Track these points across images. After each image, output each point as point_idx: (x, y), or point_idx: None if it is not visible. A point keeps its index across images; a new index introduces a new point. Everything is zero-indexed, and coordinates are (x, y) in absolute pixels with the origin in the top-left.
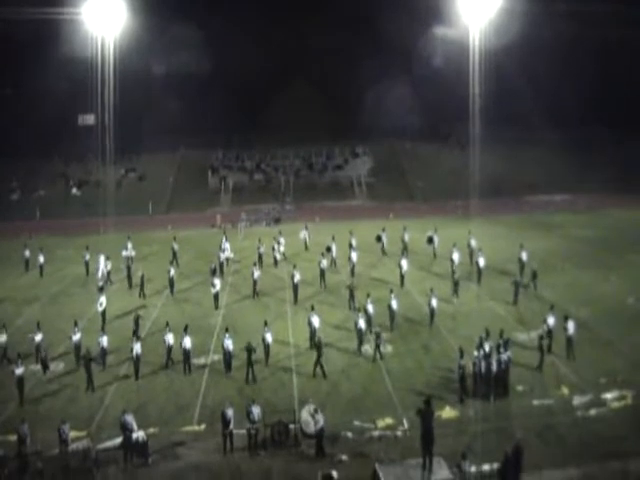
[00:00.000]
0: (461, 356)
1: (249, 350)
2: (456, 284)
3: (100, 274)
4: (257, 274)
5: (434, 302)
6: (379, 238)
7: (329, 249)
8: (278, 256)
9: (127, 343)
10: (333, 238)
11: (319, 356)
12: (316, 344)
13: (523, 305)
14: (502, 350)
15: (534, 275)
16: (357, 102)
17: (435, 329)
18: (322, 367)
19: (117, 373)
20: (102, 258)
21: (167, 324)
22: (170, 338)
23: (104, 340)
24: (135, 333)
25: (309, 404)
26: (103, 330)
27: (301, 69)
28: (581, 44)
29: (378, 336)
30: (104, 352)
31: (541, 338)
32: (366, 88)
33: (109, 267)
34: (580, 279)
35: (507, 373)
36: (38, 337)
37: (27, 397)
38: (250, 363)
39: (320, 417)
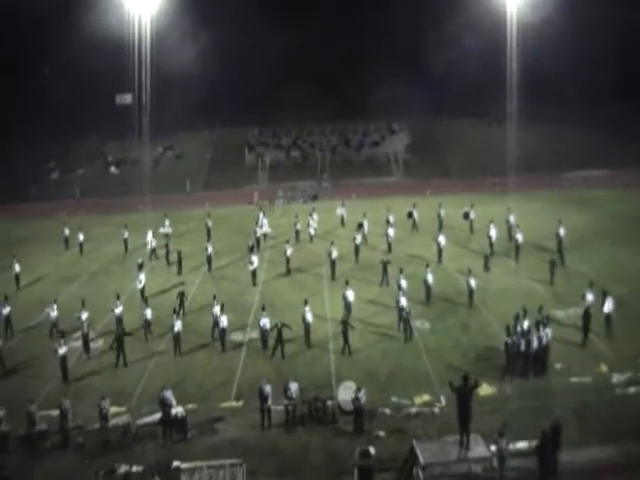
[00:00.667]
0: (507, 334)
1: (279, 329)
2: (486, 259)
3: (149, 248)
4: (290, 251)
5: (473, 282)
6: (410, 214)
7: (360, 226)
8: (312, 232)
9: (165, 320)
10: (364, 215)
11: (345, 334)
12: (343, 322)
13: (561, 282)
14: (541, 327)
15: (561, 250)
16: (393, 78)
17: (473, 306)
18: (347, 344)
19: (156, 349)
20: (150, 233)
21: (214, 297)
22: (217, 310)
23: (148, 313)
24: (178, 309)
25: (348, 382)
26: (147, 303)
27: (336, 45)
28: (619, 19)
29: (408, 313)
30: (148, 324)
31: (585, 315)
32: (402, 64)
33: (154, 244)
34: (618, 256)
35: (547, 350)
36: (84, 315)
37: (69, 373)
38: (281, 341)
39: (362, 394)
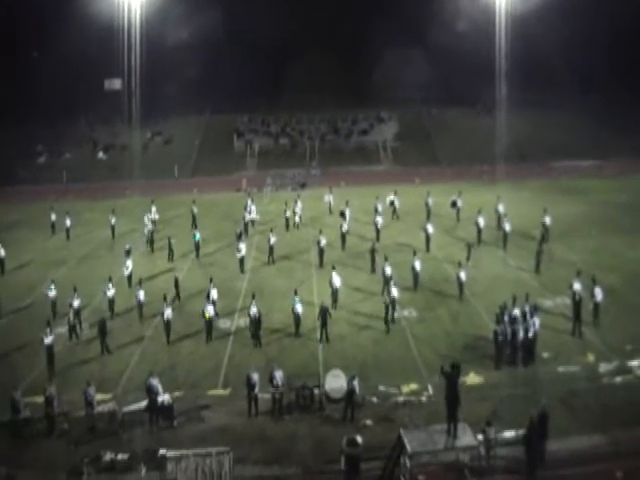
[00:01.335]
0: (497, 322)
1: (251, 319)
2: (469, 248)
3: (146, 231)
4: (273, 240)
5: (463, 275)
6: (392, 202)
7: (343, 214)
8: (297, 219)
9: (153, 306)
10: (347, 203)
11: (324, 321)
12: (322, 309)
13: (549, 271)
14: (529, 316)
15: (543, 239)
16: (382, 66)
17: (463, 297)
18: (326, 330)
19: (144, 336)
20: (146, 218)
21: (211, 280)
22: (214, 294)
23: (141, 294)
24: (177, 296)
25: (336, 370)
26: (140, 284)
27: (326, 32)
28: (612, 5)
29: (391, 302)
30: (141, 305)
31: (575, 303)
32: (391, 52)
33: (150, 227)
34: (608, 244)
35: (535, 339)
36: (76, 303)
37: (55, 360)
38: (257, 328)
39: (357, 383)
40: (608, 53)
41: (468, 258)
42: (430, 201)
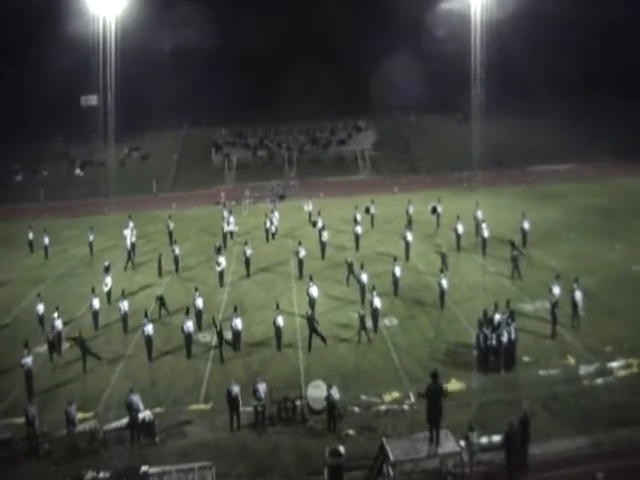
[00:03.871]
0: (486, 326)
1: (219, 332)
2: (443, 257)
3: (129, 245)
4: (249, 252)
5: (444, 283)
6: (368, 210)
7: (315, 224)
8: (273, 229)
9: (132, 322)
10: (319, 213)
11: (313, 330)
12: (307, 318)
13: (529, 275)
14: (509, 321)
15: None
16: (360, 76)
17: (444, 305)
18: (321, 336)
19: (124, 352)
20: (128, 231)
21: (196, 289)
22: (200, 303)
23: (125, 305)
24: (159, 312)
25: (317, 381)
26: (123, 295)
27: (304, 44)
28: (586, 12)
29: (362, 318)
30: (126, 316)
31: (553, 307)
32: (369, 61)
33: (134, 239)
34: (586, 248)
35: (514, 344)
36: (58, 322)
37: (34, 377)
38: (221, 344)
39: (335, 392)
40: (583, 59)
41: (445, 267)
42: (411, 209)
